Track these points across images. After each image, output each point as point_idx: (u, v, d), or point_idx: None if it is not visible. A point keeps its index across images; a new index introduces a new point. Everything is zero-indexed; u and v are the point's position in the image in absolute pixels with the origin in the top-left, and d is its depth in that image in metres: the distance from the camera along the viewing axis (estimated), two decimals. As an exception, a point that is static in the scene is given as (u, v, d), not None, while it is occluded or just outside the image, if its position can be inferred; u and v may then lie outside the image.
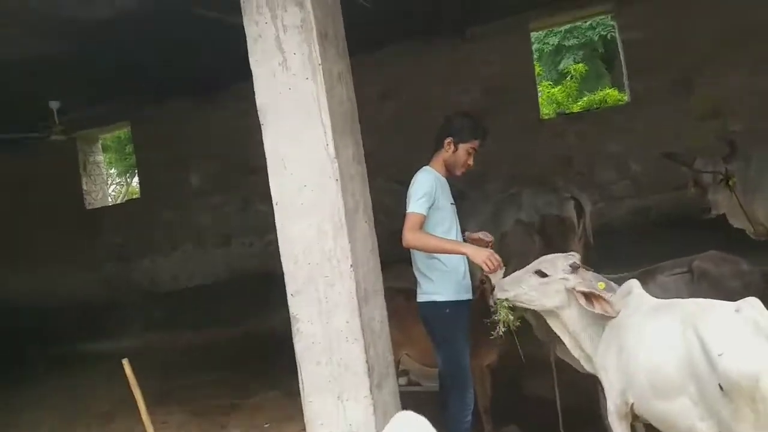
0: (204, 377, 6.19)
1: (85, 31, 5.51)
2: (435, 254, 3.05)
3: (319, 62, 2.77)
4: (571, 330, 2.66)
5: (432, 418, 2.15)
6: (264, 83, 2.87)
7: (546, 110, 9.87)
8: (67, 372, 7.28)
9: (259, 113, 2.91)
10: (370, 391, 2.72)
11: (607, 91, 10.78)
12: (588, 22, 13.46)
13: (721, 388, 1.96)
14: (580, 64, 12.05)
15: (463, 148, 3.16)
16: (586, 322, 2.64)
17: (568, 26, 13.02)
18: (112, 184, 15.10)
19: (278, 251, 9.37)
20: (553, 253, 3.30)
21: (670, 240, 6.60)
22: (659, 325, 2.27)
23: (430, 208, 3.03)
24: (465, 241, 3.18)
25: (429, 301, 3.10)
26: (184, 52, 6.68)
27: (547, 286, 2.67)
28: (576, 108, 10.60)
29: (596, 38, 13.81)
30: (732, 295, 2.87)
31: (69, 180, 9.82)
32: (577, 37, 13.92)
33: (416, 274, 3.20)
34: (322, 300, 2.80)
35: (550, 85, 12.03)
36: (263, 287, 8.43)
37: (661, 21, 7.25)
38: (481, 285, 3.29)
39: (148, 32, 5.76)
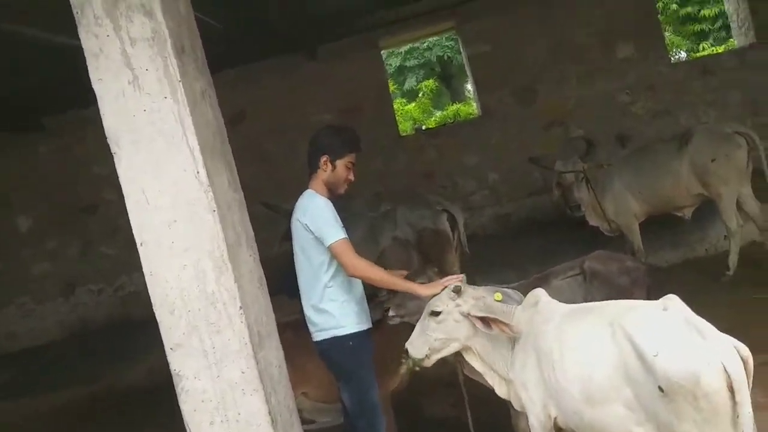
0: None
1: None
2: (335, 281, 2.82)
3: (179, 78, 2.41)
4: (483, 356, 2.56)
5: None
6: (112, 106, 2.44)
7: (403, 127, 10.04)
8: None
9: (108, 140, 2.49)
10: (277, 446, 2.39)
11: (459, 105, 11.26)
12: (425, 43, 14.16)
13: (660, 389, 1.92)
14: (431, 81, 12.52)
15: (340, 164, 2.97)
16: (495, 344, 2.57)
17: (408, 47, 13.58)
18: None
19: (130, 296, 8.48)
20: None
21: (531, 243, 7.00)
22: (583, 331, 2.22)
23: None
24: None
25: (329, 338, 2.85)
26: (5, 77, 5.81)
27: (446, 321, 2.61)
28: (431, 123, 10.93)
29: (434, 58, 14.57)
30: (622, 292, 2.95)
31: None
32: (417, 58, 14.60)
33: (307, 309, 2.94)
34: (209, 351, 2.42)
35: (402, 102, 12.35)
36: (118, 337, 7.64)
37: (502, 37, 7.69)
38: (384, 312, 3.10)
39: None
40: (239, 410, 2.41)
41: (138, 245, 2.47)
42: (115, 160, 2.49)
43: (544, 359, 2.31)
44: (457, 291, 2.63)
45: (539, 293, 2.54)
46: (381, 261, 5.22)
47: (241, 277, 2.48)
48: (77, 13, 2.42)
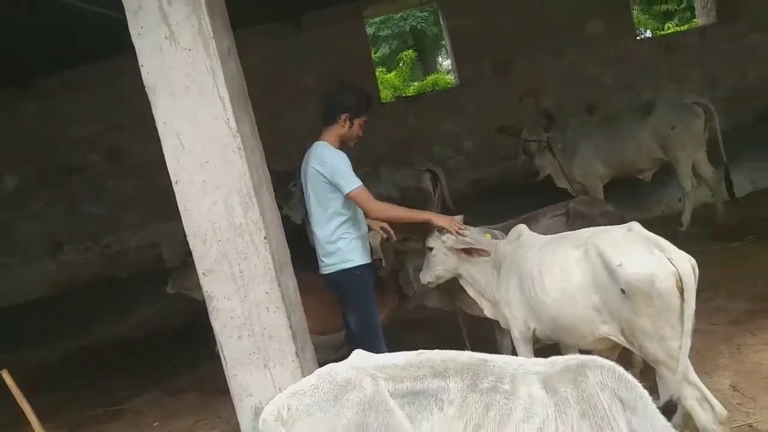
0: (64, 395, 5.62)
1: None
2: (344, 223, 3.19)
3: (211, 35, 2.73)
4: (473, 282, 3.03)
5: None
6: (150, 58, 2.75)
7: (384, 94, 10.34)
8: None
9: (147, 90, 2.79)
10: (296, 355, 2.79)
11: (436, 75, 11.57)
12: (399, 14, 14.32)
13: (623, 291, 2.39)
14: (410, 51, 12.79)
15: (357, 122, 3.32)
16: (482, 272, 3.03)
17: (383, 17, 13.71)
18: None
19: (116, 255, 8.65)
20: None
21: (503, 205, 7.46)
22: (559, 252, 2.67)
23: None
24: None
25: (340, 270, 3.24)
26: None
27: (438, 254, 3.17)
28: (411, 92, 11.24)
29: (407, 29, 14.72)
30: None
31: None
32: (390, 27, 14.71)
33: (319, 247, 3.31)
34: (237, 275, 2.78)
35: (383, 71, 12.60)
36: (107, 294, 7.87)
37: (481, 10, 8.02)
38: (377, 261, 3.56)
39: None
40: (264, 325, 2.79)
41: (173, 183, 2.80)
42: (153, 107, 2.79)
43: (525, 279, 2.76)
44: (440, 230, 3.17)
45: (521, 228, 3.00)
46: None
47: (264, 212, 2.84)
48: (119, -28, 2.70)
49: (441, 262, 3.15)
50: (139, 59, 2.76)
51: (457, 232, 3.13)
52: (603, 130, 6.20)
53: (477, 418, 1.75)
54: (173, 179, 2.80)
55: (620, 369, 1.82)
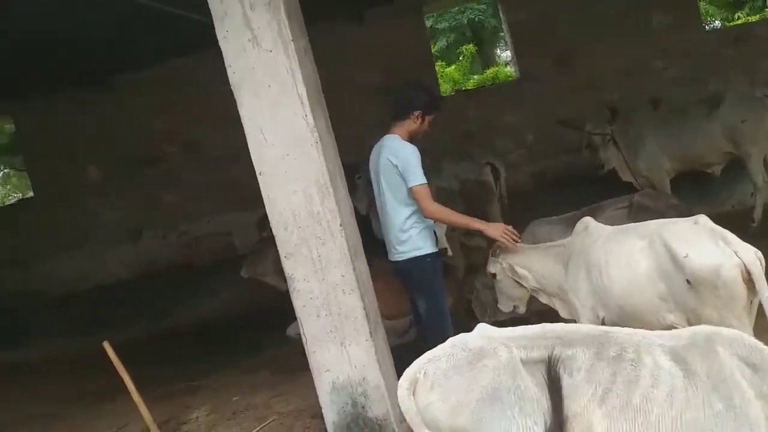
0: (147, 372, 6.04)
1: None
2: (416, 212, 3.39)
3: (290, 38, 2.96)
4: (544, 288, 3.17)
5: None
6: (235, 60, 3.01)
7: (444, 88, 10.47)
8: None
9: (232, 88, 3.05)
10: (370, 335, 3.01)
11: (497, 68, 11.58)
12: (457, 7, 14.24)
13: (688, 282, 2.49)
14: (470, 45, 12.81)
15: (427, 119, 3.52)
16: (549, 275, 3.20)
17: (443, 10, 13.71)
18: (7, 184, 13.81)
19: (194, 241, 9.08)
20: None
21: (565, 198, 7.45)
22: (626, 242, 2.79)
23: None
24: None
25: (412, 257, 3.43)
26: (79, 36, 6.29)
27: (503, 278, 3.38)
28: (471, 85, 11.30)
29: (465, 21, 14.64)
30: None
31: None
32: (448, 20, 14.64)
33: (391, 235, 3.50)
34: (315, 259, 3.03)
35: (442, 65, 12.68)
36: (184, 278, 8.34)
37: (540, 3, 8.01)
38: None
39: (41, 13, 5.30)
40: (340, 306, 3.02)
41: (258, 174, 3.05)
42: (238, 105, 3.05)
43: (593, 269, 2.89)
44: (494, 253, 3.36)
45: (587, 220, 3.12)
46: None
47: (339, 201, 3.07)
48: (207, -18, 2.96)
49: (510, 285, 3.30)
50: (225, 60, 3.03)
51: (511, 242, 3.27)
52: (669, 124, 6.13)
53: (606, 383, 1.82)
54: (257, 170, 3.06)
55: (747, 336, 1.87)
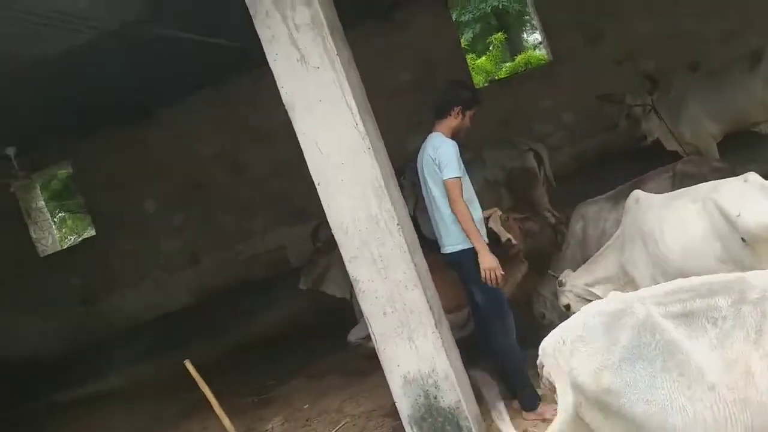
0: (218, 388, 6.28)
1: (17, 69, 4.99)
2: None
3: (336, 52, 3.11)
4: (623, 285, 3.20)
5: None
6: (286, 79, 3.17)
7: (476, 79, 10.50)
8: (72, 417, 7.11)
9: (286, 107, 3.21)
10: (435, 327, 3.13)
11: (528, 53, 11.53)
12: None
13: (743, 240, 2.52)
14: (500, 33, 12.79)
15: (468, 114, 3.61)
16: (615, 273, 3.25)
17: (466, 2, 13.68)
18: (62, 228, 14.54)
19: (249, 260, 9.26)
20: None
21: (610, 174, 7.39)
22: (678, 209, 2.83)
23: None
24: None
25: (459, 250, 3.53)
26: (115, 77, 6.50)
27: (577, 304, 3.38)
28: (504, 74, 11.29)
29: (489, 10, 14.57)
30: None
31: (15, 230, 9.51)
32: (471, 12, 14.59)
33: (440, 229, 3.61)
34: (377, 259, 3.16)
35: (473, 57, 12.69)
36: (244, 297, 8.60)
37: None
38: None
39: (82, 65, 5.39)
40: (405, 302, 3.15)
41: (317, 185, 3.21)
42: (293, 121, 3.22)
43: (648, 239, 2.93)
44: (561, 284, 3.46)
45: (637, 193, 3.16)
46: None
47: (395, 202, 3.20)
48: (252, 10, 3.13)
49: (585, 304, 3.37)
50: (277, 81, 3.20)
51: (492, 281, 3.37)
52: (710, 85, 6.01)
53: (757, 324, 1.79)
54: (316, 182, 3.21)
55: None
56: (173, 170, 9.07)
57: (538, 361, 2.07)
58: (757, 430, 1.76)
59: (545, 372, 2.00)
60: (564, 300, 3.44)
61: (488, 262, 3.39)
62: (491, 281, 3.39)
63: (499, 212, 3.90)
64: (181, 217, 9.28)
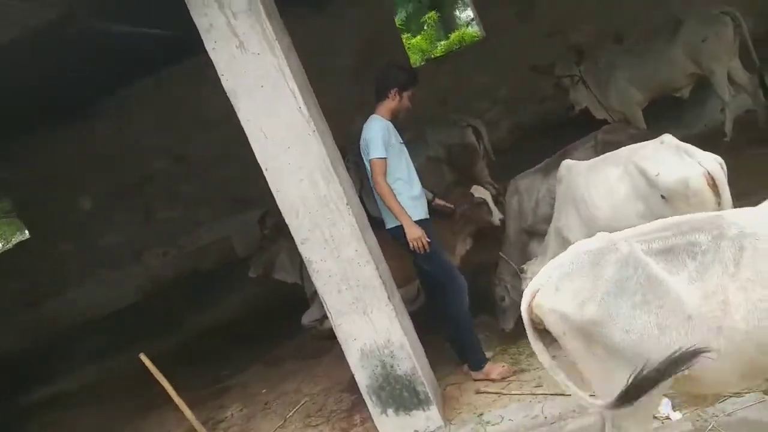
0: (174, 381, 6.23)
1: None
2: (395, 183, 3.63)
3: (274, 37, 3.14)
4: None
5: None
6: (226, 67, 3.18)
7: (413, 59, 10.60)
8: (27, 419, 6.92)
9: (228, 94, 3.22)
10: (389, 300, 3.25)
11: (462, 30, 11.69)
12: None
13: (663, 197, 2.74)
14: (432, 12, 12.90)
15: (405, 95, 3.71)
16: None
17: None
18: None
19: (194, 253, 9.11)
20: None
21: (545, 145, 7.66)
22: (604, 173, 3.04)
23: (386, 150, 3.59)
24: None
25: (399, 225, 3.60)
26: (46, 75, 6.22)
27: (525, 278, 3.63)
28: (439, 52, 11.42)
29: (421, -12, 14.56)
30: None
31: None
32: (404, -10, 14.56)
33: (381, 205, 3.70)
34: (328, 239, 3.24)
35: (408, 37, 12.77)
36: (194, 290, 8.52)
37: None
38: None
39: (24, 60, 5.36)
40: (358, 278, 3.26)
41: (264, 171, 3.25)
42: (236, 109, 3.23)
43: (579, 203, 3.14)
44: (522, 271, 3.67)
45: (568, 162, 3.36)
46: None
47: (343, 183, 3.28)
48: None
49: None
50: (218, 69, 3.20)
51: (420, 248, 3.49)
52: (634, 55, 6.33)
53: (735, 257, 1.87)
54: (263, 167, 3.25)
55: None
56: (114, 165, 8.81)
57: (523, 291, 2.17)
58: (728, 354, 1.88)
59: (534, 304, 2.10)
60: (525, 285, 3.59)
61: (412, 233, 3.51)
62: (419, 249, 3.52)
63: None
64: (123, 213, 9.04)
